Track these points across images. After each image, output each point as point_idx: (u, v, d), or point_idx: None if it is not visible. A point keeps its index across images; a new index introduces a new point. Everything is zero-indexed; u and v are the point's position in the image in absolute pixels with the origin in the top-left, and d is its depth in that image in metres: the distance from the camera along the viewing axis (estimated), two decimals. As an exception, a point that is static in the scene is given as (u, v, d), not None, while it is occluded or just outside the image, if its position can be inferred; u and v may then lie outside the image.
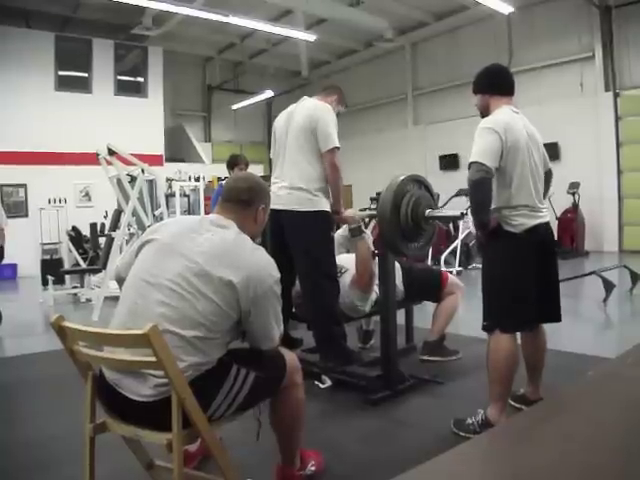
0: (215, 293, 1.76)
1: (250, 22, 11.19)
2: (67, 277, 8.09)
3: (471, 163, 2.54)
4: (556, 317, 2.82)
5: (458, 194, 8.79)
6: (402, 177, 3.05)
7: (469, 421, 2.66)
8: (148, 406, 1.70)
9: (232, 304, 1.79)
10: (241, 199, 2.00)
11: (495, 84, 2.77)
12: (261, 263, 1.88)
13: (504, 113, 2.64)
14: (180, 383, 1.63)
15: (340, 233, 5.41)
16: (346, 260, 3.76)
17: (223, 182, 5.49)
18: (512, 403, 3.02)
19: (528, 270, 2.62)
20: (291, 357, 2.08)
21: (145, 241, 1.96)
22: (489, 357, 2.65)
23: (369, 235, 3.58)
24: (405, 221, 2.97)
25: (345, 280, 3.54)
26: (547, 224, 2.72)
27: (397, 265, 3.73)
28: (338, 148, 3.26)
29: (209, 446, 1.76)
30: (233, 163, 5.34)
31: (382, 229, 3.02)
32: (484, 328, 2.71)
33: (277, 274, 1.90)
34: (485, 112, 2.74)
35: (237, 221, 1.96)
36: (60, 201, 10.46)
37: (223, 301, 1.77)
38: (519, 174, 2.58)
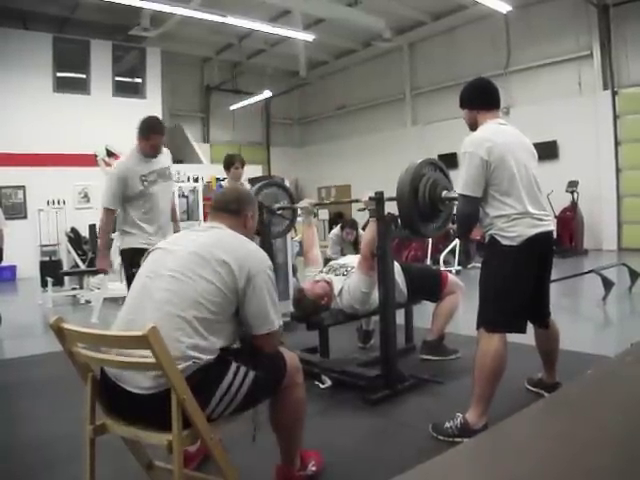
0: (212, 274, 1.85)
1: (248, 22, 11.20)
2: (66, 279, 8.08)
3: (459, 195, 2.66)
4: (545, 314, 2.94)
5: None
6: (419, 160, 3.12)
7: (447, 425, 2.65)
8: (149, 399, 1.72)
9: (229, 284, 1.85)
10: (230, 208, 2.14)
11: (480, 99, 2.82)
12: (254, 249, 2.00)
13: (488, 129, 2.69)
14: (179, 384, 1.64)
15: (335, 232, 5.46)
16: (352, 259, 3.78)
17: (222, 183, 5.47)
18: (530, 388, 3.16)
19: (525, 284, 2.67)
20: (291, 357, 2.09)
21: (150, 251, 2.09)
22: (477, 356, 2.67)
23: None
24: (423, 202, 3.05)
25: (352, 277, 3.58)
26: (549, 233, 2.72)
27: (398, 267, 3.75)
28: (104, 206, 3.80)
29: (209, 447, 1.76)
30: (229, 163, 5.32)
31: (401, 210, 3.09)
32: (477, 325, 2.73)
33: (270, 263, 2.00)
34: (473, 126, 2.79)
35: (229, 227, 2.08)
36: (59, 202, 10.45)
37: (220, 281, 1.84)
38: (507, 184, 2.60)
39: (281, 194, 4.33)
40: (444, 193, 3.03)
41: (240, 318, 1.92)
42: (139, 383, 1.73)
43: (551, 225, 2.73)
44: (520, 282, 2.65)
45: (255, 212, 2.24)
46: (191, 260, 1.88)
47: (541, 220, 2.66)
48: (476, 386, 2.65)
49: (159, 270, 1.91)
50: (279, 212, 4.15)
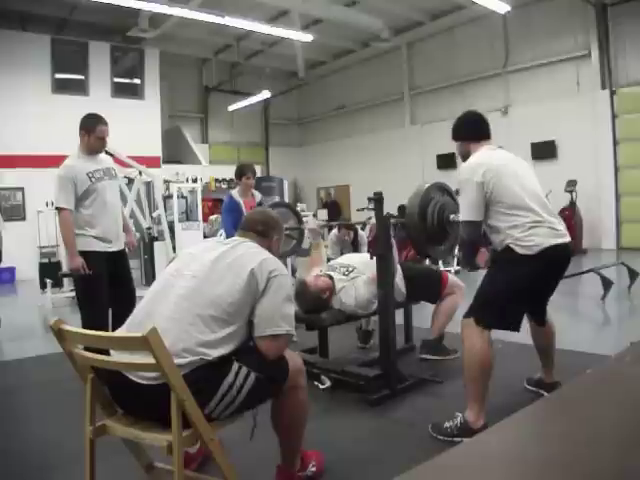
0: (235, 277, 1.92)
1: (246, 23, 11.18)
2: (65, 280, 8.06)
3: (461, 222, 2.74)
4: (544, 313, 3.00)
5: (455, 193, 8.80)
6: (427, 185, 3.23)
7: (447, 425, 2.66)
8: (153, 390, 1.73)
9: (246, 287, 1.91)
10: (257, 229, 2.24)
11: (471, 133, 2.91)
12: (275, 258, 2.09)
13: (480, 155, 2.76)
14: (179, 385, 1.64)
15: (334, 233, 5.48)
16: (356, 260, 3.79)
17: (232, 192, 5.28)
18: (529, 387, 3.17)
19: (534, 292, 2.73)
20: (294, 359, 2.09)
21: (176, 255, 2.18)
22: (464, 357, 2.70)
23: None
24: (432, 226, 3.13)
25: (358, 282, 3.58)
26: (568, 245, 2.71)
27: (398, 268, 3.75)
28: (60, 208, 3.71)
29: (209, 448, 1.76)
30: (240, 173, 5.19)
31: (411, 234, 3.21)
32: (467, 313, 2.74)
33: (288, 274, 2.08)
34: (465, 157, 2.86)
35: None
36: (57, 204, 10.46)
37: (240, 284, 1.91)
38: (511, 198, 2.62)
39: (289, 214, 4.37)
40: (452, 216, 3.11)
41: (251, 320, 1.94)
42: (144, 373, 1.76)
43: (568, 236, 2.73)
44: (531, 290, 2.69)
45: (281, 236, 2.36)
46: (215, 264, 1.97)
47: (558, 230, 2.67)
48: (468, 387, 2.67)
49: (183, 270, 2.01)
50: (287, 232, 4.16)
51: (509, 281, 2.64)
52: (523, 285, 2.63)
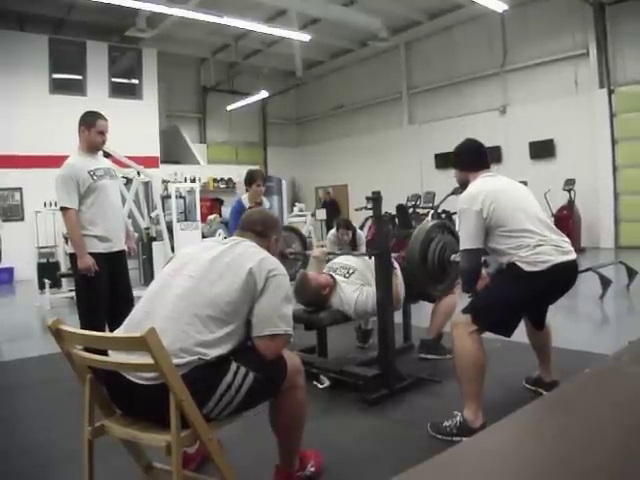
0: (233, 277, 1.92)
1: (244, 23, 11.18)
2: (64, 280, 8.06)
3: (461, 251, 2.78)
4: (544, 319, 3.05)
5: (454, 192, 8.79)
6: (429, 225, 3.34)
7: (446, 424, 2.67)
8: (151, 390, 1.73)
9: (245, 287, 1.90)
10: (256, 229, 2.23)
11: (470, 162, 2.96)
12: (274, 259, 2.07)
13: (478, 183, 2.82)
14: (178, 385, 1.64)
15: (332, 233, 5.47)
16: (356, 260, 3.81)
17: (242, 197, 5.25)
18: (528, 386, 3.19)
19: (537, 303, 2.80)
20: (293, 359, 2.09)
21: (175, 254, 2.24)
22: (455, 358, 2.71)
23: (399, 274, 3.65)
24: (432, 266, 3.23)
25: (368, 290, 3.56)
26: (573, 263, 2.74)
27: (397, 267, 3.75)
28: (64, 208, 3.58)
29: (207, 448, 1.76)
30: (250, 180, 5.14)
31: (412, 274, 3.36)
32: (464, 310, 2.77)
33: (287, 274, 2.06)
34: (464, 185, 2.92)
35: None
36: (56, 204, 10.38)
37: (239, 284, 1.90)
38: (512, 221, 2.66)
39: (293, 238, 4.37)
40: (452, 257, 3.17)
41: (249, 319, 1.94)
42: (142, 374, 1.76)
43: (574, 253, 2.75)
44: (535, 304, 2.77)
45: (280, 237, 2.35)
46: (213, 263, 1.97)
47: (563, 247, 2.69)
48: (464, 387, 2.68)
49: (181, 270, 2.00)
50: (291, 257, 4.16)
51: (512, 294, 2.66)
52: (525, 299, 2.68)
